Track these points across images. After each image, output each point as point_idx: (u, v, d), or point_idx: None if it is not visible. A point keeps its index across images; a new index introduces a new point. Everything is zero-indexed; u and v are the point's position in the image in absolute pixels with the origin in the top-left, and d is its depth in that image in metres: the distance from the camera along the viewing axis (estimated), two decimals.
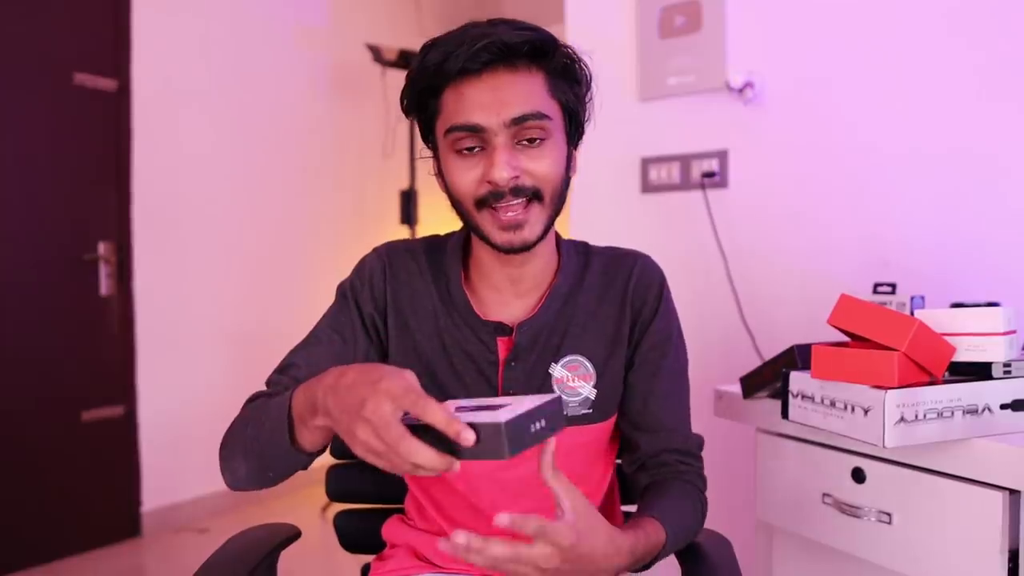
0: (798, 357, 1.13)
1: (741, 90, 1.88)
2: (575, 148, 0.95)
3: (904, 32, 1.60)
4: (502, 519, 0.66)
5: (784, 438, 1.25)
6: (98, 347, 2.83)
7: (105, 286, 2.83)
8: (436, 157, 0.93)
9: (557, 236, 1.00)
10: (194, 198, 3.10)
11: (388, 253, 1.01)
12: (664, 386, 0.98)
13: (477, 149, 0.86)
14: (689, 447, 0.99)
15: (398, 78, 3.49)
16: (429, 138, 0.93)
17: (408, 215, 3.40)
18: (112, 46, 2.83)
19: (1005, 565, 0.95)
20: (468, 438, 0.63)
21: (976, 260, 1.51)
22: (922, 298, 1.38)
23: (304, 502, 3.17)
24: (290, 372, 0.94)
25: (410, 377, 0.68)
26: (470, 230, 0.92)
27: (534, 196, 0.87)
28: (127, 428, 2.91)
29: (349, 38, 3.55)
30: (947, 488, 1.02)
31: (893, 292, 1.40)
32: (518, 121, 0.84)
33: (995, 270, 1.48)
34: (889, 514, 1.08)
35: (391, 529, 1.08)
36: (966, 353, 1.01)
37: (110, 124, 2.84)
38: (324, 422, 0.73)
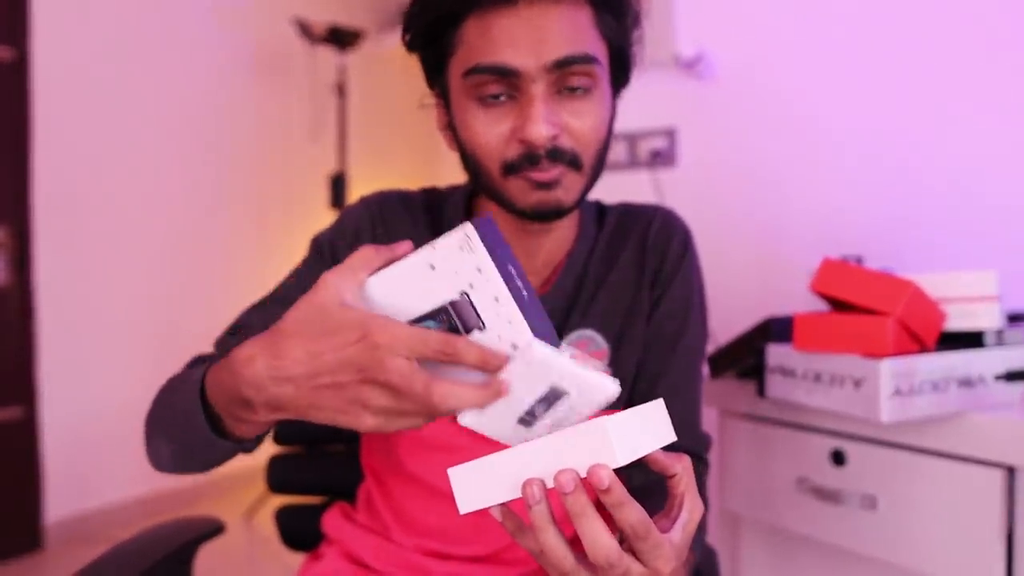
0: (774, 331, 1.03)
1: (691, 64, 1.82)
2: (616, 99, 0.78)
3: (858, 5, 1.54)
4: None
5: (752, 420, 1.16)
6: None
7: (1, 275, 2.57)
8: (446, 106, 0.76)
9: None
10: (104, 181, 2.86)
11: (380, 205, 0.84)
12: (679, 367, 0.82)
13: (504, 97, 0.70)
14: (698, 448, 0.83)
15: (328, 56, 3.35)
16: (436, 80, 0.77)
17: (338, 199, 3.22)
18: (7, 11, 2.58)
19: (1004, 549, 0.88)
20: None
21: (931, 236, 1.46)
22: (891, 270, 1.32)
23: (233, 505, 2.96)
24: (244, 335, 0.78)
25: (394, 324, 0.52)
26: (488, 195, 0.76)
27: (571, 163, 0.71)
28: (27, 431, 2.66)
29: (274, 12, 3.35)
30: (938, 468, 0.94)
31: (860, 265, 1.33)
32: (562, 65, 0.68)
33: (951, 246, 1.43)
34: (874, 498, 0.99)
35: (331, 520, 0.94)
36: (955, 320, 0.94)
37: (7, 97, 2.59)
38: (281, 416, 0.57)
